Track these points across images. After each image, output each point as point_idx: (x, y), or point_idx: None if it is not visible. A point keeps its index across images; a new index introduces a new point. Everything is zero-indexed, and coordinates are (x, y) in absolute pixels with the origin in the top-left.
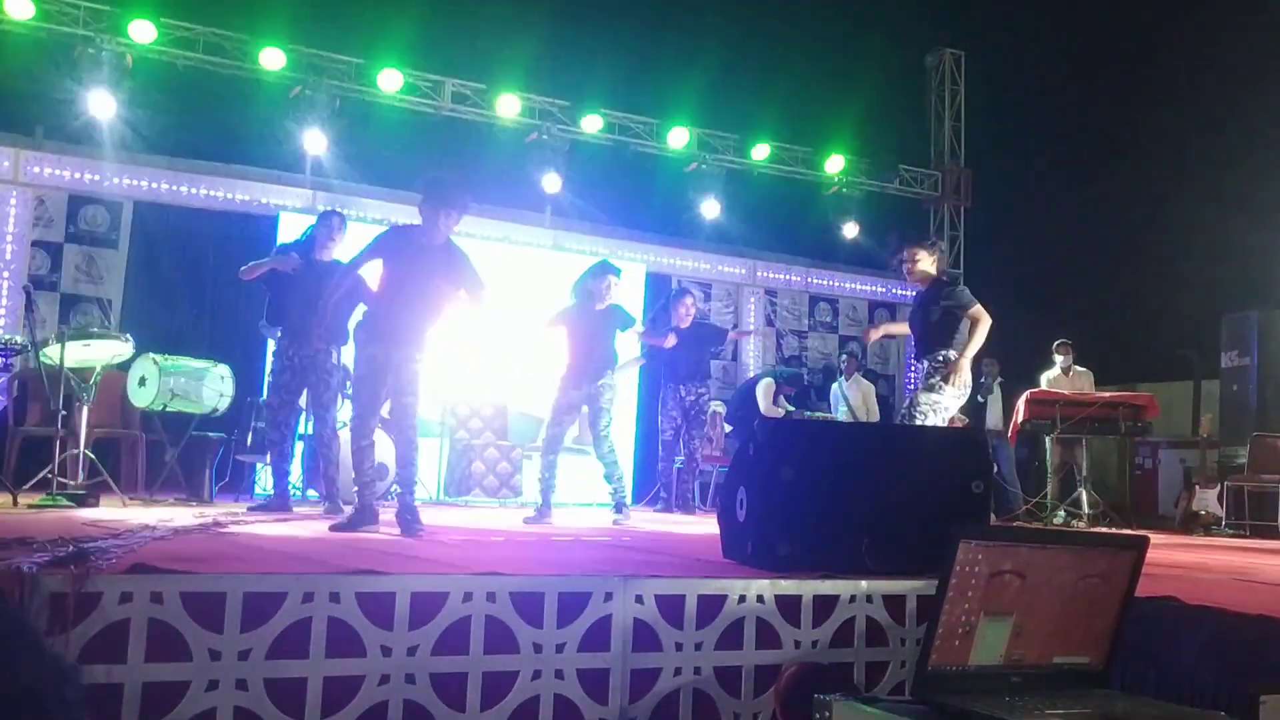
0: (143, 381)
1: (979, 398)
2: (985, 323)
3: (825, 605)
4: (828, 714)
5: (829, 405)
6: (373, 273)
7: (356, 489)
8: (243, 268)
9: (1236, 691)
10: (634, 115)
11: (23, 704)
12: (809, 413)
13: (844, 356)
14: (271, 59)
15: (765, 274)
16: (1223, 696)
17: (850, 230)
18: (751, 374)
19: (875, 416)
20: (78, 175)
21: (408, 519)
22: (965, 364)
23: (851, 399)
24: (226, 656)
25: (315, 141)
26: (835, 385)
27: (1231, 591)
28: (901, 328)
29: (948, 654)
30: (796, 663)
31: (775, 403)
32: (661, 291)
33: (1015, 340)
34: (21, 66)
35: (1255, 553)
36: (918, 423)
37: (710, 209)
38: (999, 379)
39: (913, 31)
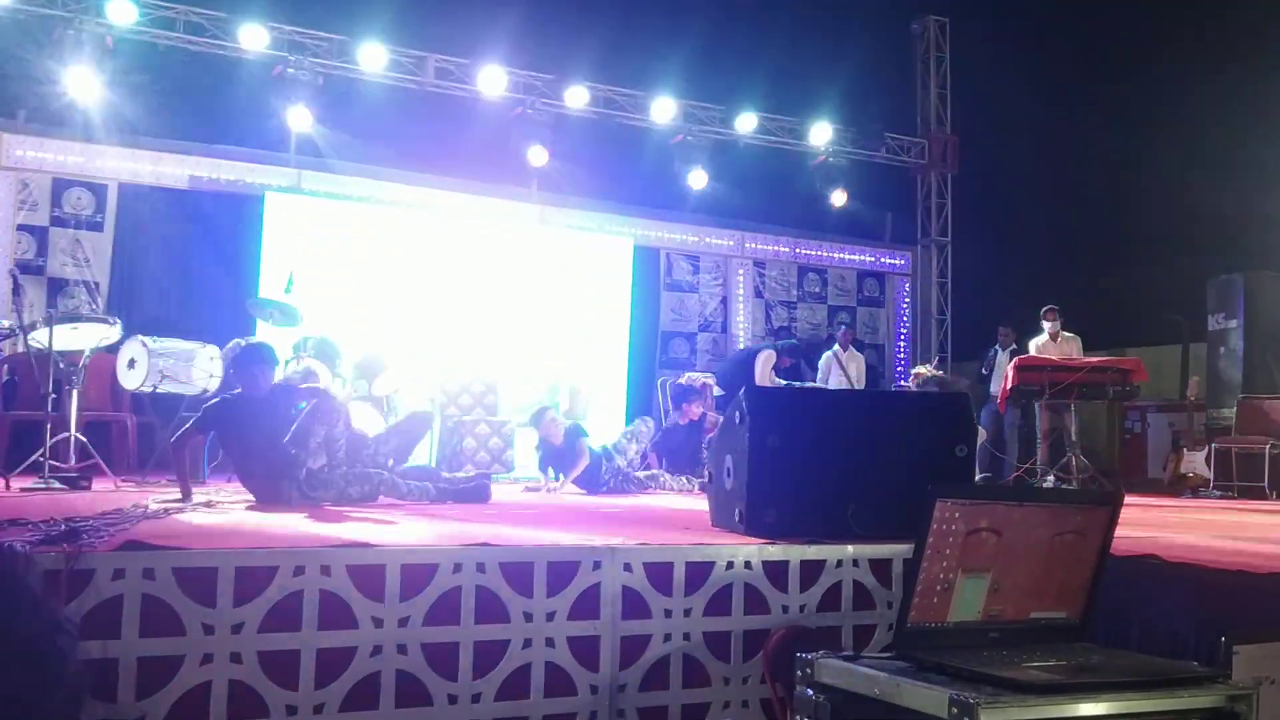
0: (132, 364)
1: (982, 369)
2: None
3: (812, 570)
4: (809, 671)
5: (816, 376)
6: None
7: None
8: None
9: (1216, 644)
10: (619, 88)
11: (17, 650)
12: (800, 384)
13: (841, 328)
14: (253, 37)
15: (753, 245)
16: (1203, 650)
17: (838, 199)
18: (741, 346)
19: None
20: (61, 158)
21: None
22: None
23: (849, 370)
24: (220, 630)
25: (299, 119)
26: (829, 354)
27: (1212, 549)
28: None
29: (927, 611)
30: (784, 627)
31: (776, 374)
32: (649, 265)
33: (1003, 306)
34: (2, 48)
35: (1241, 512)
36: None
37: (697, 181)
38: (1013, 346)
39: None
